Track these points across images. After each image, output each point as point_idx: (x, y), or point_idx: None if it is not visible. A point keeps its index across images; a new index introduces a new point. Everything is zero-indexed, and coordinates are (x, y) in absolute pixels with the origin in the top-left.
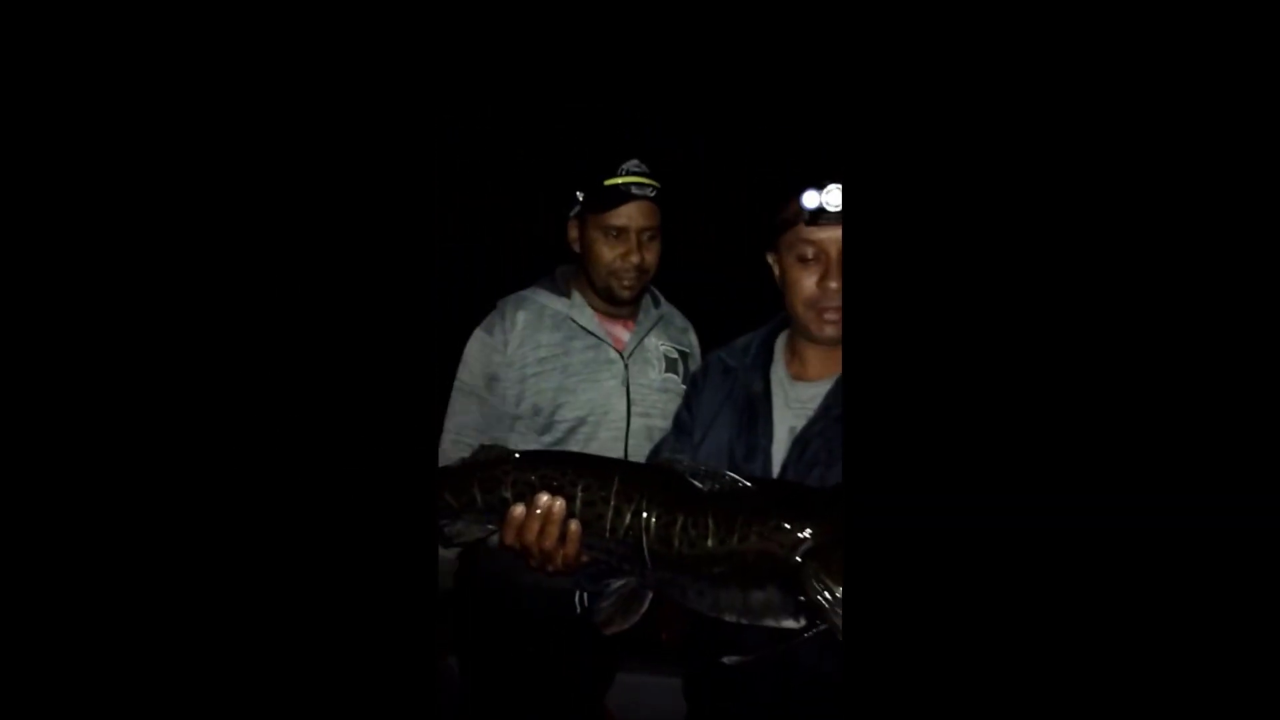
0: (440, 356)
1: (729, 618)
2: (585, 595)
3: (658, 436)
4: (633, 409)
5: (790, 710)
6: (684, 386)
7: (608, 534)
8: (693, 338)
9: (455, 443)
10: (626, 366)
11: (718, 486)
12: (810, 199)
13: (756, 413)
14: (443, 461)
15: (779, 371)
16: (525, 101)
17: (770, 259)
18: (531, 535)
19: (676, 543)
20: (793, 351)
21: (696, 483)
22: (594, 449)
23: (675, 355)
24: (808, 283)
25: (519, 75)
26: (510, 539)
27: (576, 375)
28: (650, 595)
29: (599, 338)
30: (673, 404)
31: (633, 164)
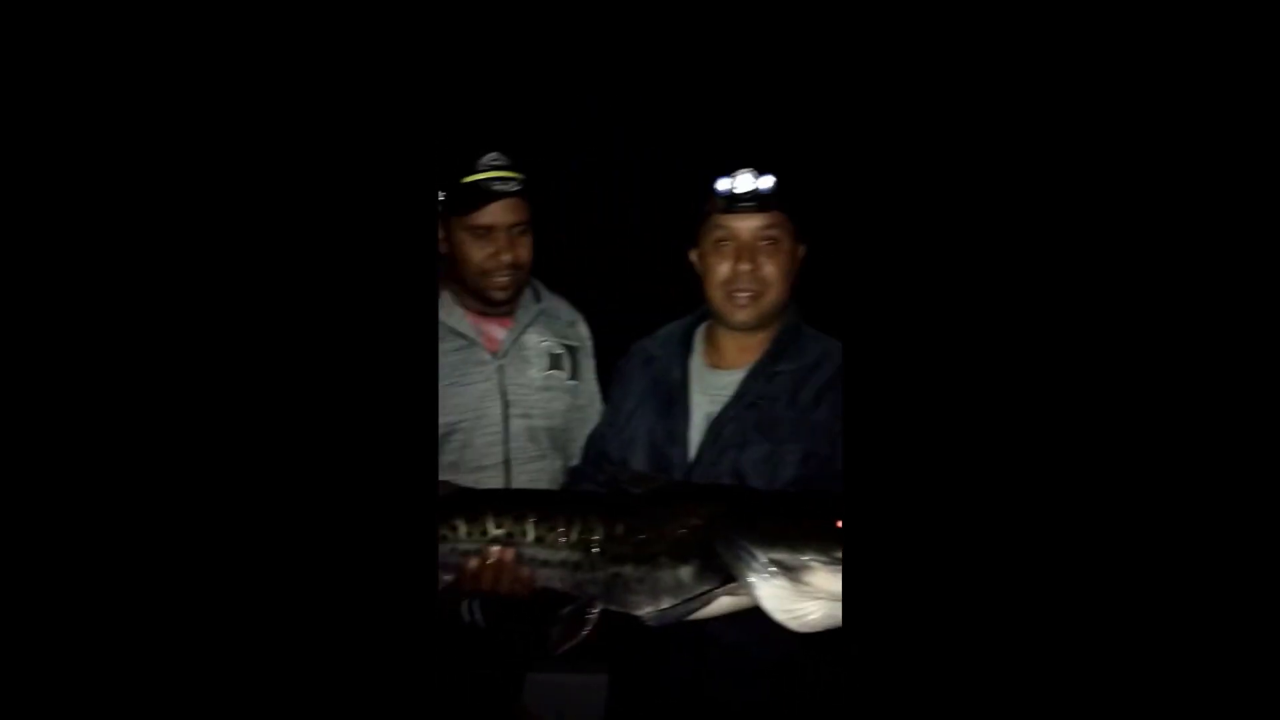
0: None
1: (665, 602)
2: (473, 605)
3: (542, 437)
4: (510, 410)
5: (707, 684)
6: (572, 382)
7: (562, 544)
8: (582, 329)
9: None
10: (502, 367)
11: (644, 488)
12: (723, 184)
13: (674, 399)
14: None
15: (697, 360)
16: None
17: (693, 256)
18: (485, 585)
19: (619, 544)
20: (710, 341)
21: (632, 489)
22: (470, 456)
23: (560, 350)
24: (722, 268)
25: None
26: (467, 588)
27: (444, 380)
28: (596, 612)
29: (470, 339)
30: (559, 402)
31: (492, 158)
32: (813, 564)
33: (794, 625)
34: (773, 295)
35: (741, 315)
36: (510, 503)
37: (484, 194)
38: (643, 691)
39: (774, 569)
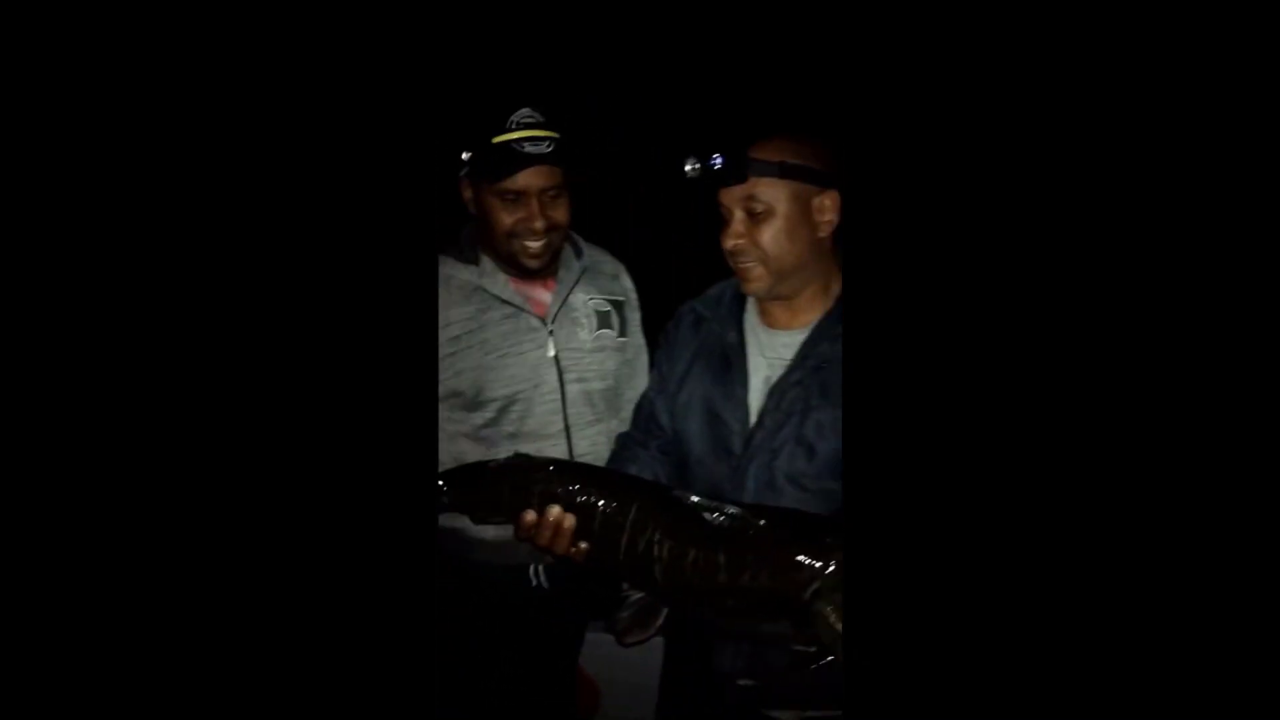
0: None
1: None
2: (540, 569)
3: (598, 401)
4: (565, 377)
5: (759, 658)
6: (622, 339)
7: (622, 555)
8: (626, 281)
9: None
10: (551, 333)
11: (728, 522)
12: (689, 164)
13: (731, 363)
14: None
15: (752, 320)
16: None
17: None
18: (541, 541)
19: (687, 574)
20: (761, 300)
21: (707, 516)
22: (531, 425)
23: (608, 307)
24: (725, 243)
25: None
26: (521, 537)
27: (496, 350)
28: (665, 612)
29: (516, 306)
30: (611, 361)
31: (523, 115)
32: None
33: None
34: (785, 261)
35: (753, 287)
36: (590, 480)
37: (515, 157)
38: (697, 657)
39: None
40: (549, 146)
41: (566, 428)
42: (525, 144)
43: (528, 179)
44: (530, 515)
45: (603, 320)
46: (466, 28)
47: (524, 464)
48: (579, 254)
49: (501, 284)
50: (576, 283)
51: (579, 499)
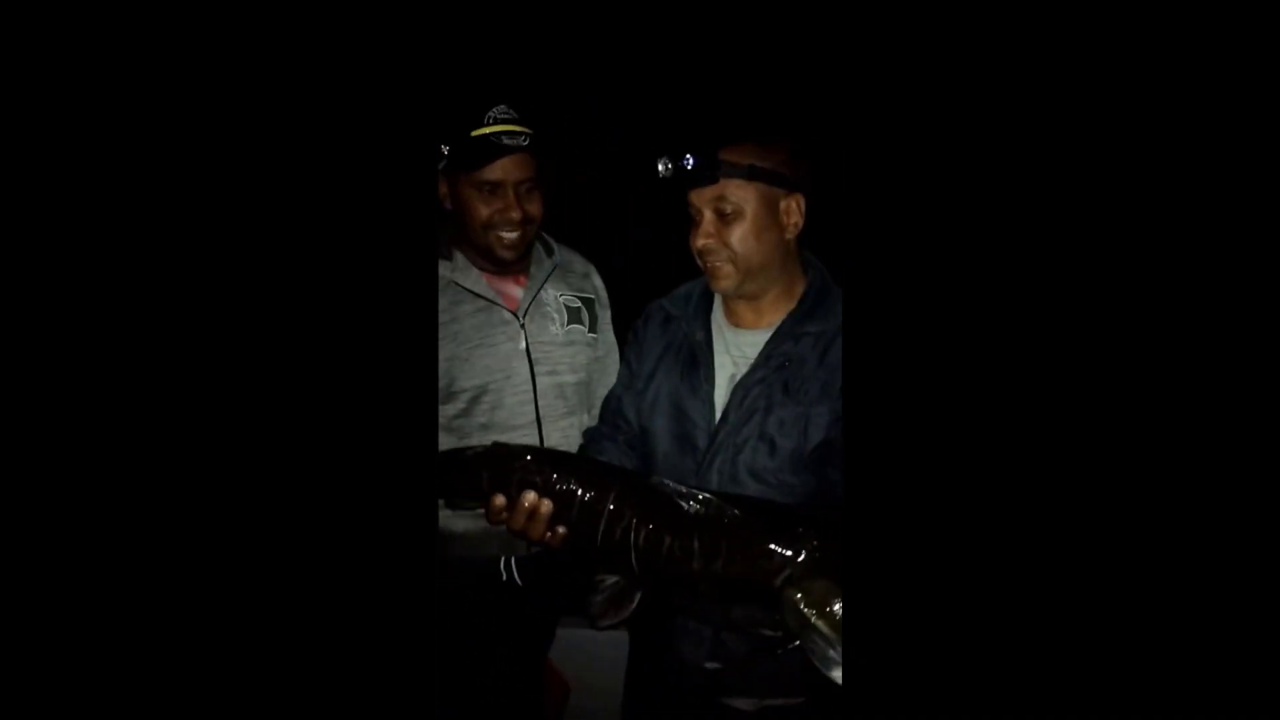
0: None
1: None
2: (511, 563)
3: (570, 394)
4: (537, 369)
5: (724, 645)
6: (592, 335)
7: (599, 542)
8: (596, 280)
9: None
10: (523, 326)
11: (703, 510)
12: (660, 164)
13: (698, 360)
14: None
15: (719, 319)
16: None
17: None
18: (516, 525)
19: (663, 561)
20: (731, 300)
21: (683, 504)
22: (501, 416)
23: (577, 304)
24: (695, 242)
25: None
26: (493, 521)
27: (468, 342)
28: (639, 595)
29: (489, 300)
30: (582, 355)
31: (500, 110)
32: None
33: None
34: (753, 260)
35: (721, 285)
36: (569, 468)
37: (492, 148)
38: (661, 649)
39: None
40: (525, 140)
41: (538, 419)
42: (503, 137)
43: (505, 170)
44: (500, 499)
45: (573, 316)
46: (444, 25)
47: (503, 451)
48: (550, 252)
49: (474, 278)
50: (547, 279)
51: (557, 486)
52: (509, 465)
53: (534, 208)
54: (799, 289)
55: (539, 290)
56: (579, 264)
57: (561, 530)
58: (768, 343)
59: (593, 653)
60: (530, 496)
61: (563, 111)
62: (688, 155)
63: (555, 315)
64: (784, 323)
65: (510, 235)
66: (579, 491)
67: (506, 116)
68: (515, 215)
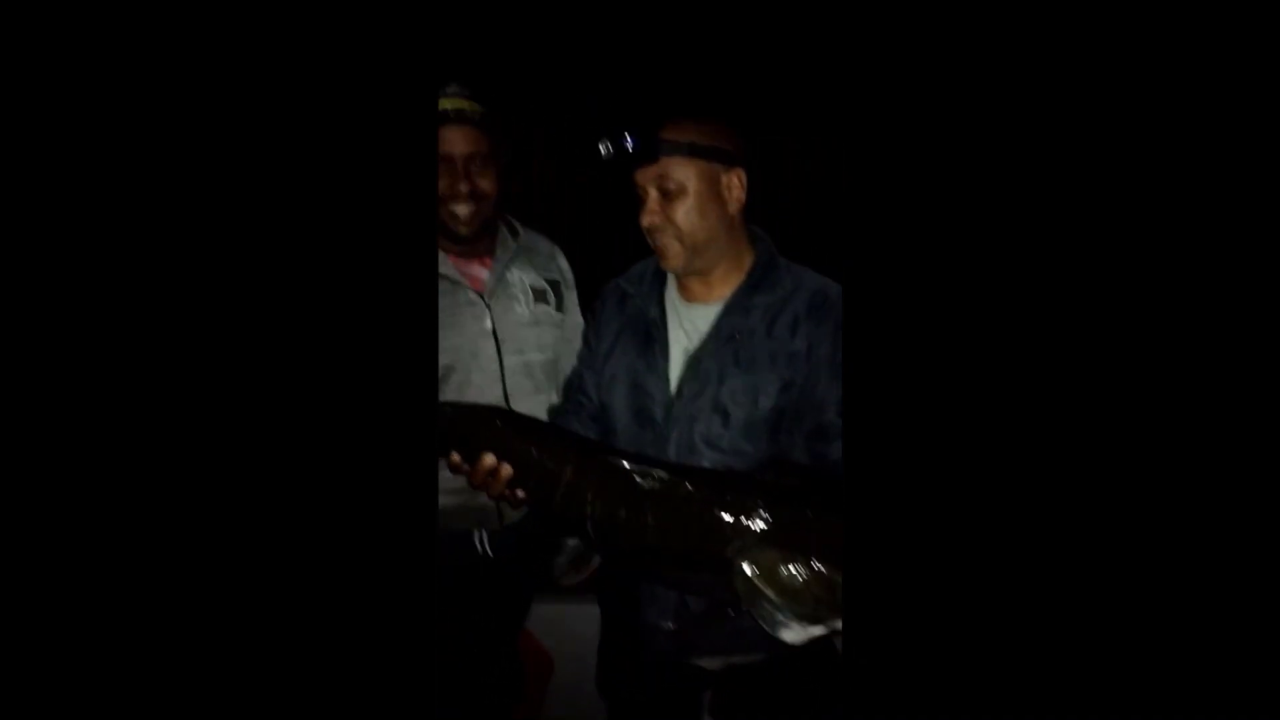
0: None
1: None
2: (484, 536)
3: (538, 372)
4: (503, 348)
5: (689, 614)
6: (559, 315)
7: (555, 509)
8: (562, 261)
9: None
10: (489, 307)
11: (658, 486)
12: (601, 146)
13: (653, 336)
14: None
15: (672, 295)
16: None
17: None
18: (475, 481)
19: (618, 533)
20: (679, 276)
21: (638, 479)
22: (471, 395)
23: (544, 285)
24: (642, 221)
25: None
26: (453, 472)
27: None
28: (598, 557)
29: (454, 280)
30: (549, 335)
31: (452, 89)
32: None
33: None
34: (698, 236)
35: (670, 264)
36: (532, 434)
37: (440, 118)
38: (629, 615)
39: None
40: (476, 117)
41: (506, 397)
42: (450, 114)
43: (452, 142)
44: (455, 456)
45: (539, 296)
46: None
47: (469, 412)
48: (515, 234)
49: (440, 260)
50: (512, 260)
51: (518, 450)
52: (475, 426)
53: (485, 183)
54: (747, 262)
55: (505, 271)
56: (544, 245)
57: (521, 493)
58: (718, 317)
59: (577, 627)
60: (489, 459)
61: (586, 115)
62: (627, 135)
63: (521, 296)
64: (733, 296)
65: (463, 210)
66: (538, 458)
67: (457, 93)
68: (463, 188)
